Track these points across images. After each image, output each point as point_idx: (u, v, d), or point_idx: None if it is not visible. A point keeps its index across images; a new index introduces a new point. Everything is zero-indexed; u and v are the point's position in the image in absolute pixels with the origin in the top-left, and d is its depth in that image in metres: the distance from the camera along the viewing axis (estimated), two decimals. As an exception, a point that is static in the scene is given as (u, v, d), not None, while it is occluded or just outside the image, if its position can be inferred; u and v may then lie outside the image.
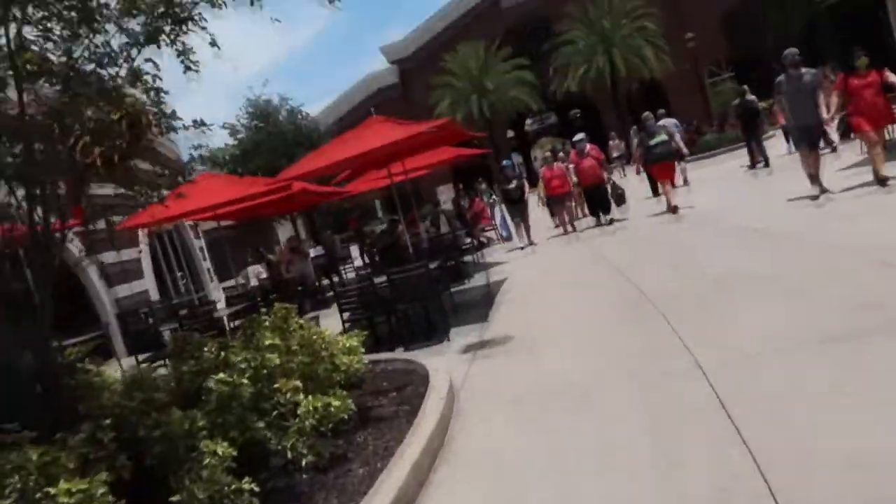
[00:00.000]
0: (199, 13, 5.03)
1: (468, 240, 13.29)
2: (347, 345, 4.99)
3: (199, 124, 5.28)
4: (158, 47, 4.94)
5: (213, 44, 5.07)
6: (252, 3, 5.04)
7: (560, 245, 12.40)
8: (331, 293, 11.22)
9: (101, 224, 5.64)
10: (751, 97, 15.44)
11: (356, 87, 42.77)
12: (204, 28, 5.06)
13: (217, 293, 19.53)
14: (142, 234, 15.99)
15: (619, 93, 36.18)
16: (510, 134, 47.63)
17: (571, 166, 12.73)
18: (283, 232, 37.89)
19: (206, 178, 10.34)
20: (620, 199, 12.91)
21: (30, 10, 4.34)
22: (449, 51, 37.51)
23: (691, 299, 5.89)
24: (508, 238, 13.96)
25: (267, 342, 4.40)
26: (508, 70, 35.89)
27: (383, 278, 7.28)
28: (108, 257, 14.10)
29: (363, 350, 5.12)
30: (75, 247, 13.29)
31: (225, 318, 8.37)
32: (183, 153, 21.83)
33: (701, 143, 24.14)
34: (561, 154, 14.77)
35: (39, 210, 4.67)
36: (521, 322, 6.94)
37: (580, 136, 12.66)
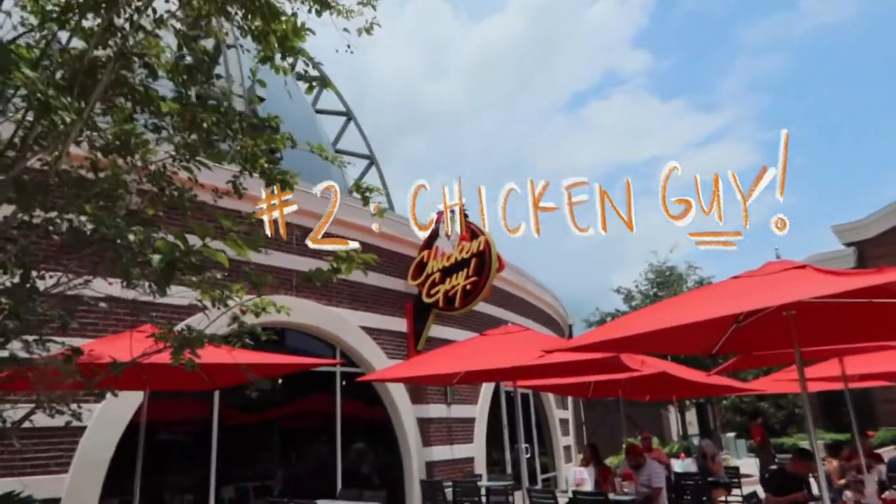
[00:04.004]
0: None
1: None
2: None
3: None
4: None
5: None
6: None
7: None
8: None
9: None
10: None
11: (791, 268, 35.88)
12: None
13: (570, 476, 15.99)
14: (484, 389, 13.99)
15: None
16: None
17: None
18: (674, 420, 32.13)
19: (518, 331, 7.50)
20: None
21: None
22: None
23: None
24: None
25: None
26: None
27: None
28: (436, 410, 12.30)
29: None
30: (402, 397, 11.86)
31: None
32: (556, 304, 19.98)
33: None
34: None
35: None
36: None
37: None
